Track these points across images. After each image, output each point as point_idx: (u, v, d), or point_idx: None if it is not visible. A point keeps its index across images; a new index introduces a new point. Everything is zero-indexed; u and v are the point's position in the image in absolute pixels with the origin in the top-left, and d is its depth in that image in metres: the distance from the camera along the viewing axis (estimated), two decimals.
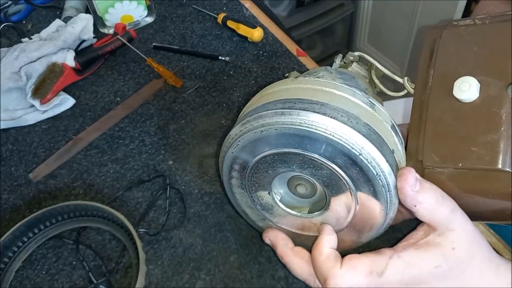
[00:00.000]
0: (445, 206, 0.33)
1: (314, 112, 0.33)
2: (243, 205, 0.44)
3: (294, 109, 0.34)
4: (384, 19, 1.62)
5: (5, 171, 0.57)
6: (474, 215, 0.35)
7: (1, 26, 0.73)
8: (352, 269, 0.34)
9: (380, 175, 0.33)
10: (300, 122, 0.33)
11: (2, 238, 0.46)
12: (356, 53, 0.51)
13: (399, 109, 0.48)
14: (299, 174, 0.38)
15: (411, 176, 0.33)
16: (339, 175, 0.35)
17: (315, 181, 0.38)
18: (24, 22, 0.79)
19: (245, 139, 0.36)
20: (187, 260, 0.48)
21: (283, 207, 0.42)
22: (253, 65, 0.69)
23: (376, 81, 0.50)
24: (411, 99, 0.39)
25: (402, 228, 0.46)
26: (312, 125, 0.33)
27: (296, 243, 0.42)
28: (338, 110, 0.34)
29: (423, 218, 0.34)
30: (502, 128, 0.31)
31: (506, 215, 0.34)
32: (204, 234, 0.50)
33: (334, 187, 0.36)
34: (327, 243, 0.37)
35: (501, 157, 0.31)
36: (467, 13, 1.30)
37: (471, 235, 0.34)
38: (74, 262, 0.48)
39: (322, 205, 0.40)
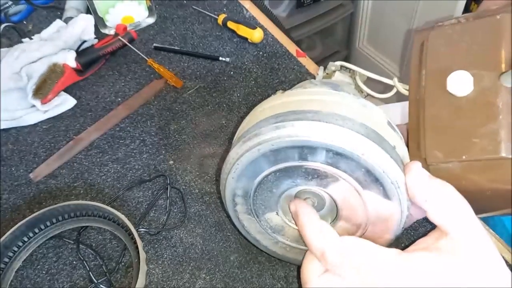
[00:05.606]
0: (457, 206, 0.32)
1: (308, 120, 0.32)
2: (252, 231, 0.42)
3: (288, 121, 0.33)
4: (384, 20, 1.62)
5: (6, 171, 0.57)
6: (479, 208, 0.35)
7: (2, 27, 0.73)
8: (353, 239, 0.32)
9: (387, 173, 0.32)
10: (296, 133, 0.32)
11: (2, 238, 0.46)
12: (337, 63, 0.51)
13: (397, 113, 0.48)
14: (304, 187, 0.37)
15: (416, 167, 0.32)
16: (345, 180, 0.34)
17: (322, 192, 0.37)
18: (24, 22, 0.79)
19: (244, 162, 0.35)
20: (187, 259, 0.48)
21: (294, 226, 0.40)
22: (253, 66, 0.69)
23: (362, 85, 0.50)
24: (407, 102, 0.40)
25: (404, 231, 0.46)
26: (308, 134, 0.32)
27: None
28: (331, 115, 0.33)
29: (433, 217, 0.32)
30: (501, 117, 0.32)
31: (510, 203, 0.34)
32: (204, 234, 0.50)
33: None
34: (314, 216, 0.34)
35: (503, 145, 0.31)
36: (466, 13, 1.30)
37: (484, 246, 0.31)
38: (74, 262, 0.49)
39: (333, 216, 0.39)
